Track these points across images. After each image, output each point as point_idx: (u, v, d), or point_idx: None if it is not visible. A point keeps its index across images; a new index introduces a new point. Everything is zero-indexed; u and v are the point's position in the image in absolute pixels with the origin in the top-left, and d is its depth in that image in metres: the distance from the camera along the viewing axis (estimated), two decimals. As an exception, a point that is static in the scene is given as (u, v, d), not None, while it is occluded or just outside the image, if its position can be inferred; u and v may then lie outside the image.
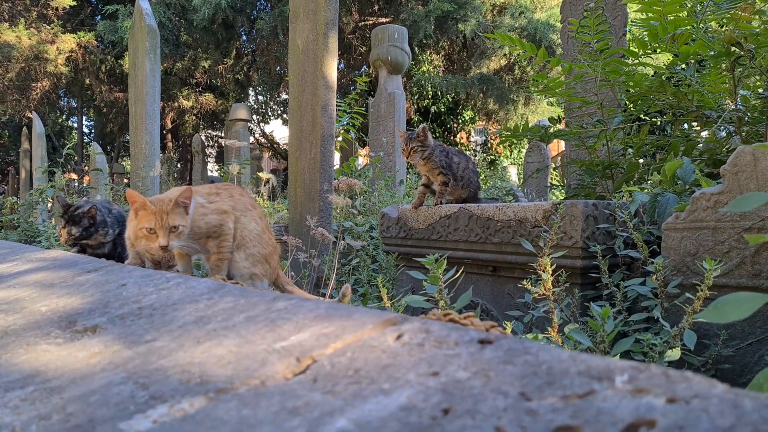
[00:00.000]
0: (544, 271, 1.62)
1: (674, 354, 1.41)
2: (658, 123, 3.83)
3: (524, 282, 1.69)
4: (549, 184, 7.91)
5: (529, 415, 0.45)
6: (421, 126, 2.73)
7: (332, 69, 3.72)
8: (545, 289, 1.60)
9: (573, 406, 0.45)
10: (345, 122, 5.82)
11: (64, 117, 20.15)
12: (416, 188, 6.07)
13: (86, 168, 15.69)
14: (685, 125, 3.31)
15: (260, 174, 3.33)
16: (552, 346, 0.57)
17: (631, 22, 3.55)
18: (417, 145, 2.69)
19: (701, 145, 2.82)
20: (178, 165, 14.20)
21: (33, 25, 13.44)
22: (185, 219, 1.77)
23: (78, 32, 13.84)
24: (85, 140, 19.54)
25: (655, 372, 0.48)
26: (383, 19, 12.98)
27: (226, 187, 2.02)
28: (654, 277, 1.76)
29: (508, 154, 16.51)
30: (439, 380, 0.54)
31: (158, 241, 1.72)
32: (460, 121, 15.82)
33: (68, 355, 0.92)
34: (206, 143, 17.86)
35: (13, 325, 1.20)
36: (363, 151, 10.46)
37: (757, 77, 2.72)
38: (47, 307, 1.31)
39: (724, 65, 2.60)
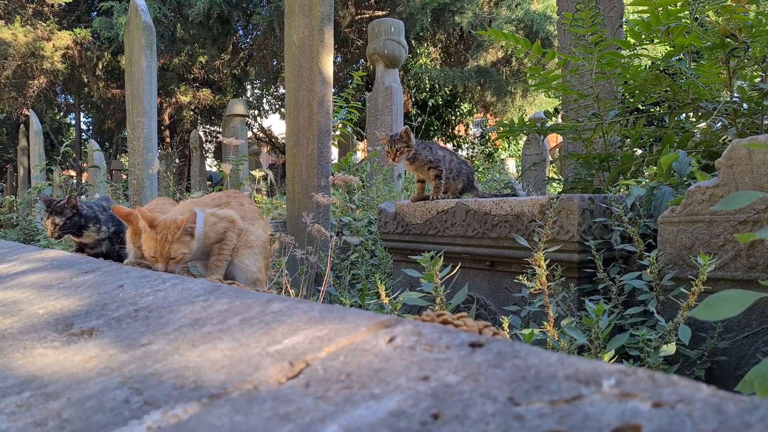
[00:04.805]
0: (539, 267, 1.62)
1: (669, 349, 1.41)
2: (656, 114, 3.84)
3: (520, 277, 1.70)
4: (547, 177, 7.90)
5: (516, 420, 0.46)
6: (404, 127, 2.60)
7: (328, 64, 3.72)
8: (540, 284, 1.61)
9: (560, 411, 0.45)
10: (342, 116, 5.82)
11: (61, 114, 20.10)
12: (414, 183, 6.07)
13: (84, 165, 15.68)
14: (683, 115, 3.31)
15: (254, 172, 3.34)
16: (541, 349, 0.57)
17: (627, 16, 3.54)
18: (402, 146, 2.57)
19: (697, 137, 2.81)
20: (177, 161, 14.17)
21: (29, 22, 13.39)
22: (190, 246, 1.80)
23: (74, 29, 13.79)
24: (83, 137, 19.51)
25: (641, 376, 0.48)
26: (380, 13, 12.95)
27: (235, 195, 2.10)
28: (649, 270, 1.76)
29: (506, 146, 16.50)
30: (429, 385, 0.55)
31: (157, 266, 1.77)
32: (458, 113, 15.80)
33: (65, 360, 0.92)
34: (204, 139, 17.85)
35: (11, 328, 1.20)
36: (361, 146, 10.45)
37: (753, 68, 2.71)
38: (44, 310, 1.31)
39: (720, 57, 2.59)
